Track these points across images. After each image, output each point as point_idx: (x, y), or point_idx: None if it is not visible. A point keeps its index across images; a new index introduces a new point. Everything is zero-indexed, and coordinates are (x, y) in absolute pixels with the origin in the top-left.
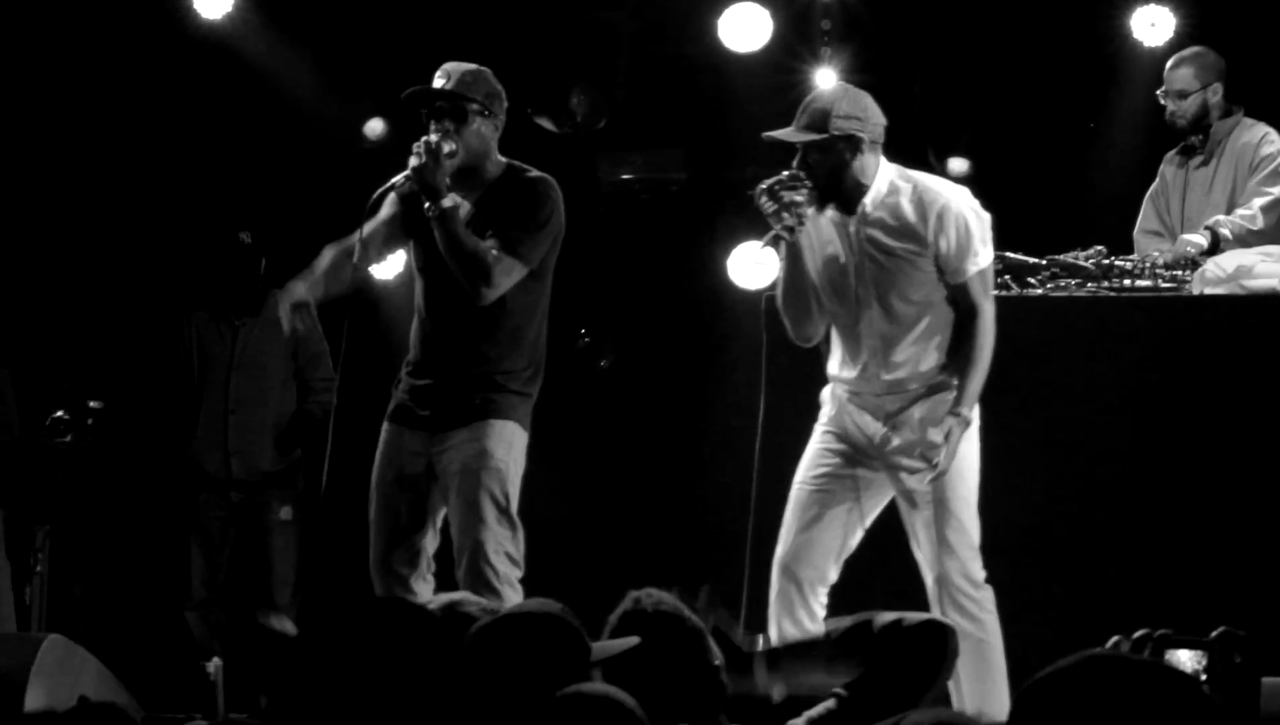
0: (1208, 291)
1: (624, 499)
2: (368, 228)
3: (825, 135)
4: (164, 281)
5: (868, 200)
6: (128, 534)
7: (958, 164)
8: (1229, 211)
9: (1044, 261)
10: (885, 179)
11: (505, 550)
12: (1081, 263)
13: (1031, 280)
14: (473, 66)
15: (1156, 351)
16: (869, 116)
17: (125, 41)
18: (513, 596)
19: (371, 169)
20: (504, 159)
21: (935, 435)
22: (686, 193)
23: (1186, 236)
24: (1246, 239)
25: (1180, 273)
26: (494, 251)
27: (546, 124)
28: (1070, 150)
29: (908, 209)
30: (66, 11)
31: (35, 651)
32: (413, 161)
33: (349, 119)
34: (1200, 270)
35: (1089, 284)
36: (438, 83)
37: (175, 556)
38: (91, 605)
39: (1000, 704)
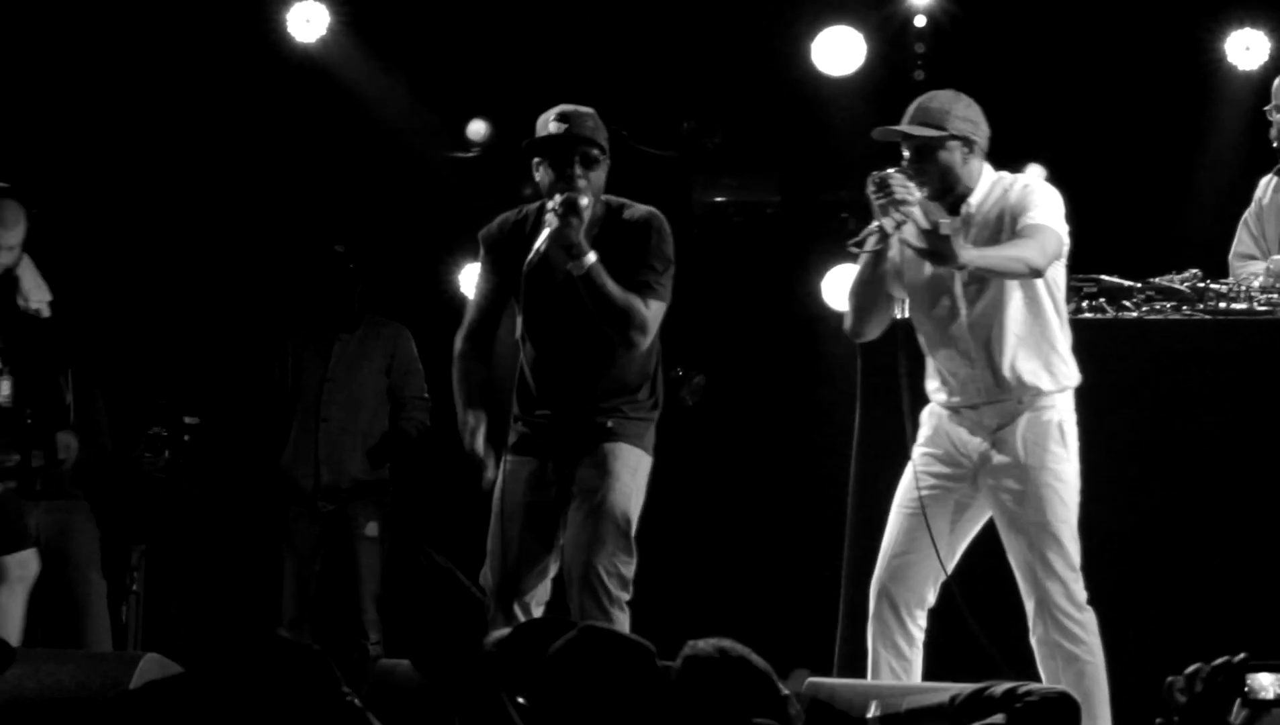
0: None
1: (718, 527)
2: (487, 296)
3: (944, 133)
4: (261, 297)
5: (973, 203)
6: (222, 550)
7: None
8: None
9: (1139, 285)
10: (988, 183)
11: (620, 573)
12: (1176, 286)
13: (1127, 303)
14: (588, 109)
15: (1251, 375)
16: (981, 121)
17: (224, 64)
18: (621, 619)
19: (465, 177)
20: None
21: (1037, 456)
22: (780, 216)
23: None
24: None
25: (1276, 296)
26: (642, 299)
27: (651, 149)
28: (1166, 174)
29: (1008, 197)
30: (168, 36)
31: (132, 670)
32: (552, 220)
33: (442, 131)
34: None
35: (1184, 307)
36: (557, 127)
37: (268, 573)
38: (187, 623)
39: None
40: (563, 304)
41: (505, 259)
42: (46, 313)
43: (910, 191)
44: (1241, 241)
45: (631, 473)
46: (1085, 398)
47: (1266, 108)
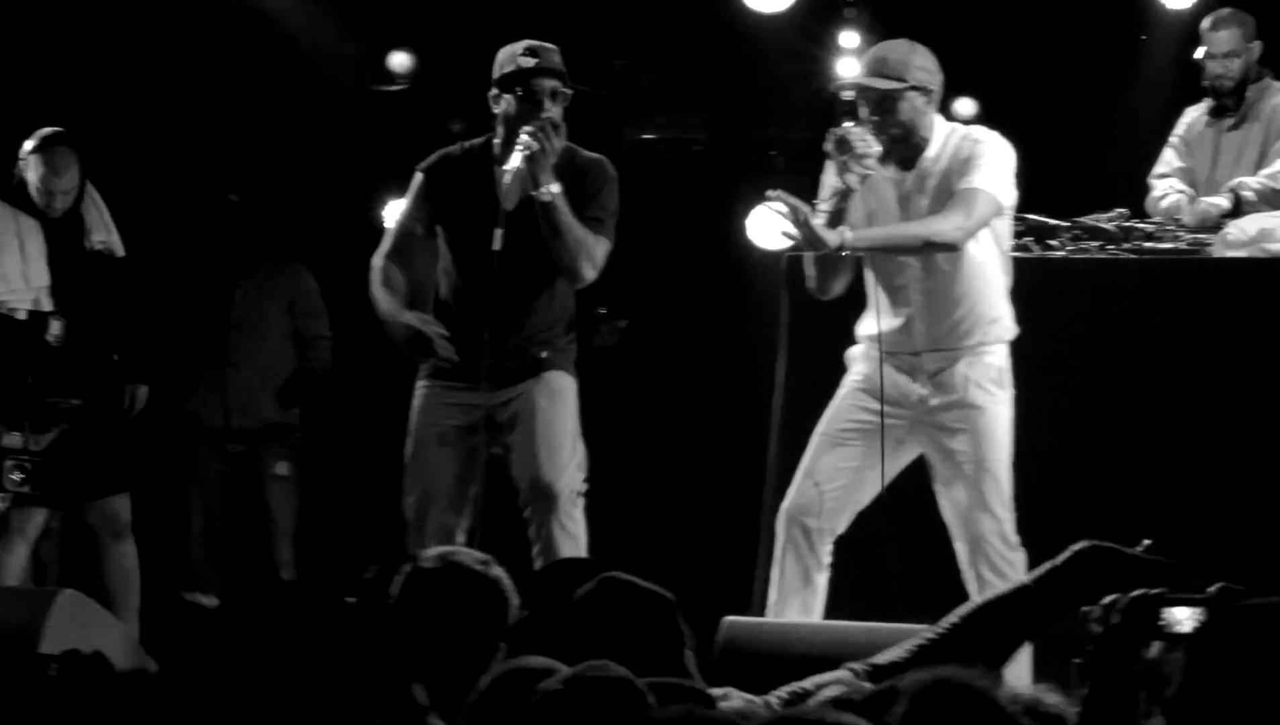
0: (1229, 255)
1: (639, 468)
2: (414, 215)
3: (905, 84)
4: (160, 245)
5: (928, 156)
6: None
7: (965, 104)
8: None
9: (1066, 223)
10: (942, 135)
11: (577, 487)
12: (1103, 225)
13: (1053, 242)
14: (551, 45)
15: (1177, 314)
16: (937, 71)
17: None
18: (579, 525)
19: (389, 112)
20: None
21: (978, 396)
22: (708, 153)
23: (1208, 199)
24: (1273, 200)
25: (1201, 236)
26: (594, 235)
27: (585, 88)
28: (1094, 112)
29: (959, 154)
30: None
31: (49, 605)
32: (529, 143)
33: (365, 64)
34: (1222, 233)
35: (1110, 246)
36: (528, 61)
37: (177, 510)
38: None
39: (1022, 666)
40: (511, 235)
41: (442, 191)
42: (119, 252)
43: (870, 145)
44: (1165, 162)
45: (571, 393)
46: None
47: (1200, 53)
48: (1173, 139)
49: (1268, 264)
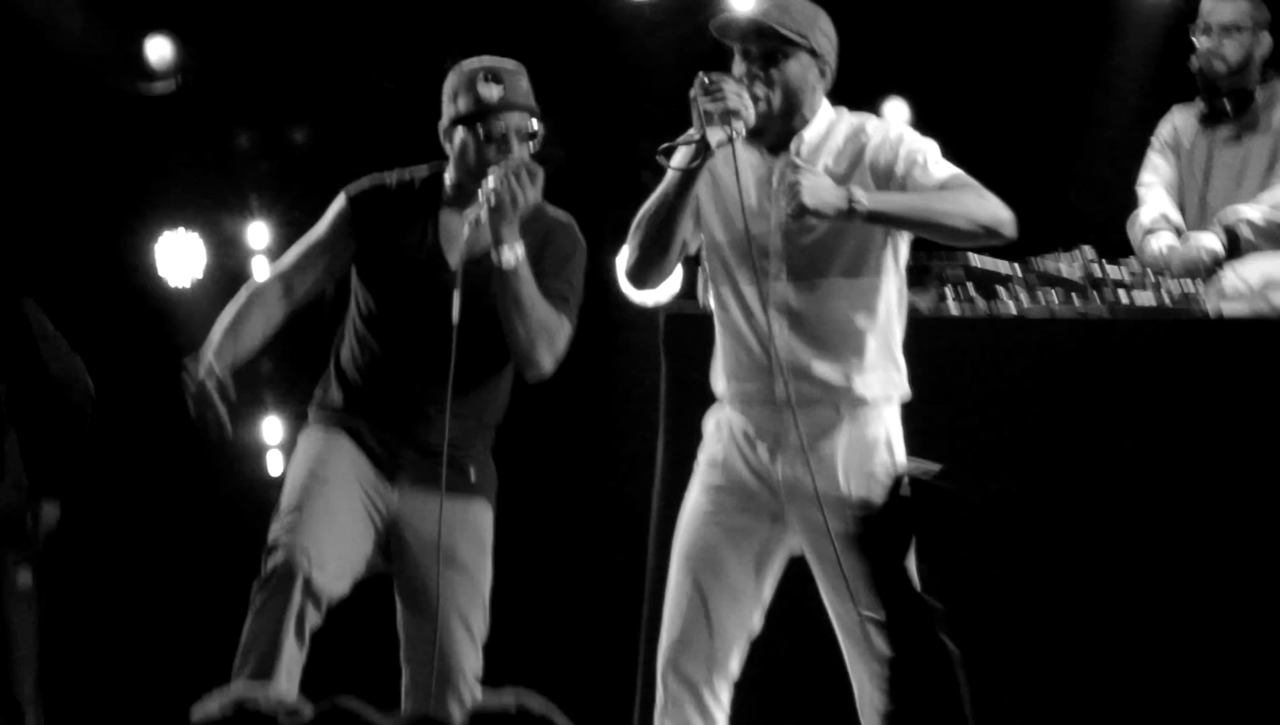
0: (1226, 309)
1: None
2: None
3: (807, 41)
4: None
5: (805, 139)
6: None
7: (895, 107)
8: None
9: (1016, 268)
10: (825, 119)
11: (477, 670)
12: (1064, 271)
13: (1001, 291)
14: (517, 65)
15: (1161, 385)
16: (835, 48)
17: None
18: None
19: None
20: None
21: (860, 485)
22: (563, 174)
23: (1198, 237)
24: (1278, 237)
25: (1191, 284)
26: (557, 315)
27: (387, 84)
28: (1053, 125)
29: (846, 146)
30: None
31: None
32: (496, 192)
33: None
34: (1216, 281)
35: (1075, 298)
36: (492, 94)
37: None
38: None
39: None
40: (447, 303)
41: (371, 229)
42: None
43: (745, 103)
44: (1157, 169)
45: (489, 541)
46: (949, 414)
47: (1194, 25)
48: (1155, 141)
49: (1274, 323)
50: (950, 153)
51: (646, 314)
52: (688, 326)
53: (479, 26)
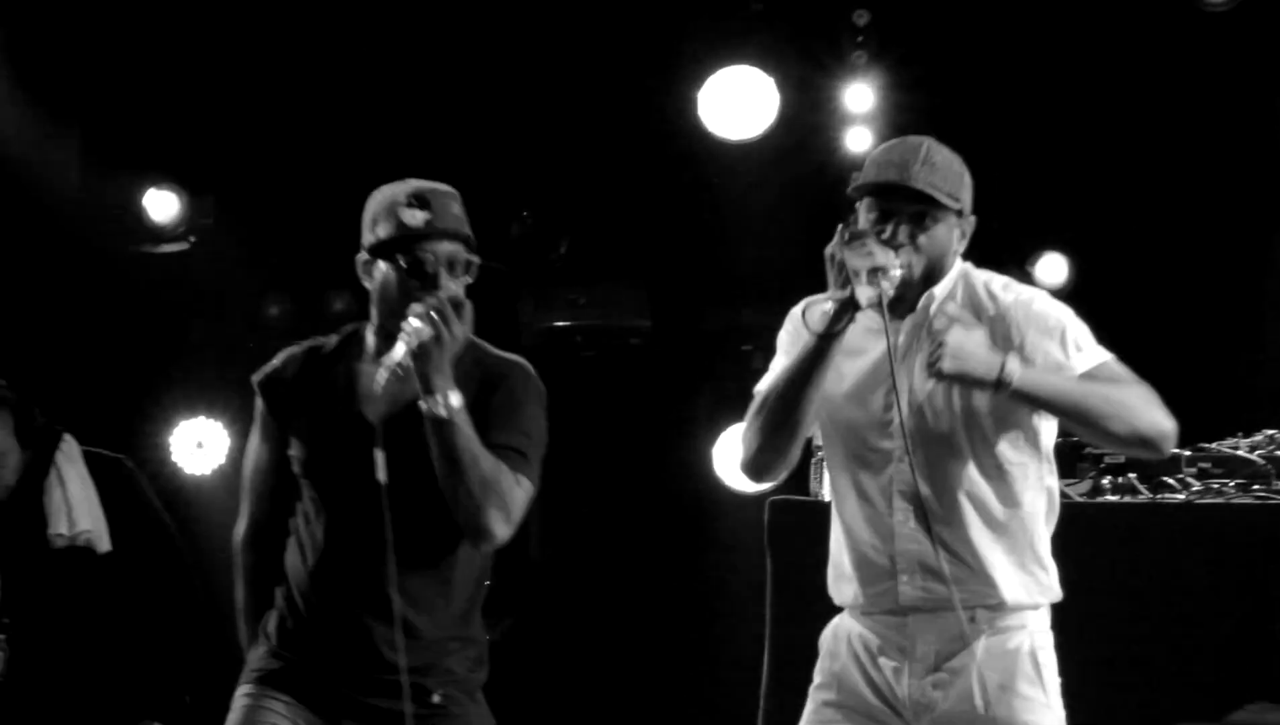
0: None
1: None
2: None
3: (959, 203)
4: None
5: (935, 295)
6: None
7: (1052, 267)
8: None
9: (1188, 453)
10: (953, 276)
11: None
12: (1244, 454)
13: (1168, 480)
14: (448, 188)
15: None
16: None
17: None
18: None
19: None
20: None
21: (1002, 706)
22: (650, 347)
23: None
24: None
25: None
26: (509, 471)
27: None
28: (1230, 285)
29: (976, 305)
30: None
31: None
32: (418, 330)
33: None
34: None
35: (1255, 485)
36: (417, 218)
37: None
38: None
39: None
40: (375, 475)
41: (284, 408)
42: (101, 546)
43: (893, 260)
44: None
45: None
46: (1105, 616)
47: None
48: None
49: None
50: (1107, 318)
51: (748, 502)
52: (795, 516)
53: (544, 175)
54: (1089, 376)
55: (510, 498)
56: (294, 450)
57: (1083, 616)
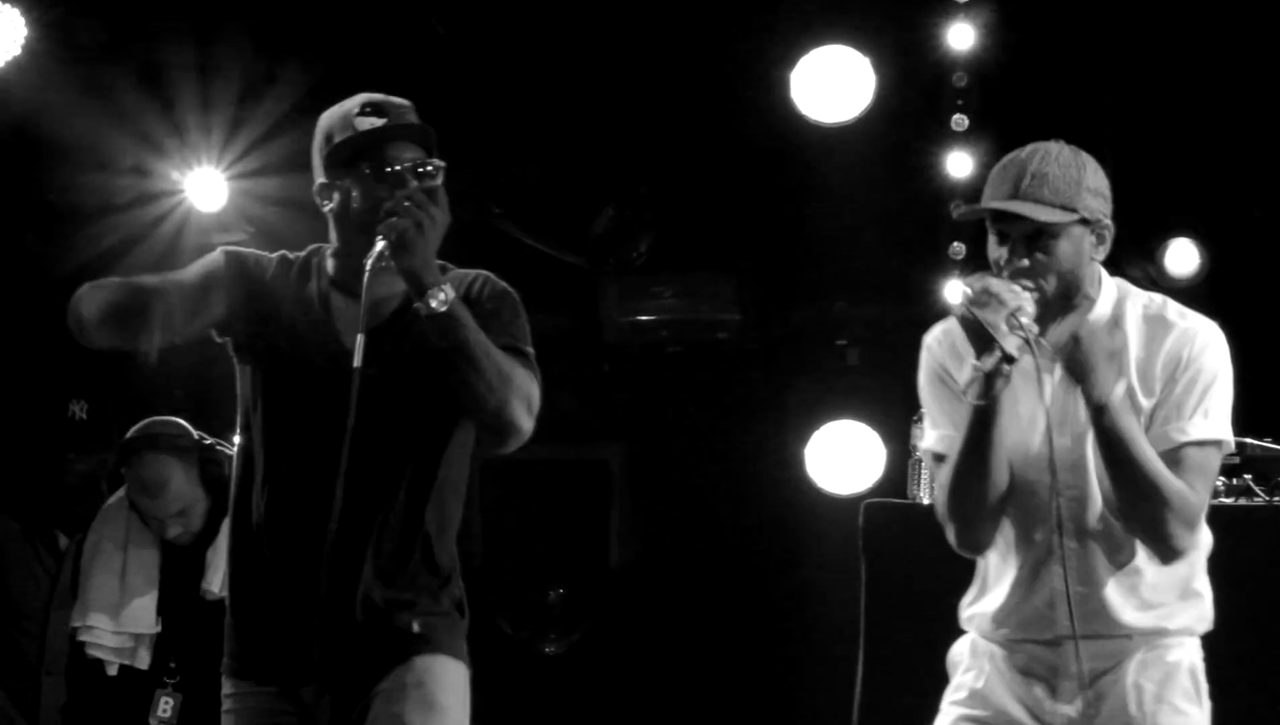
0: None
1: None
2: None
3: (1074, 215)
4: None
5: (1090, 321)
6: None
7: (1182, 255)
8: None
9: None
10: (1110, 296)
11: None
12: None
13: None
14: (401, 100)
15: None
16: (1110, 197)
17: None
18: None
19: None
20: None
21: (1162, 718)
22: (740, 343)
23: None
24: None
25: None
26: (519, 365)
27: (541, 245)
28: None
29: (1144, 328)
30: None
31: None
32: (396, 224)
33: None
34: None
35: None
36: (373, 122)
37: None
38: None
39: None
40: (357, 393)
41: (249, 298)
42: None
43: (1023, 297)
44: None
45: (461, 703)
46: (1222, 628)
47: None
48: None
49: None
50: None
51: (842, 505)
52: (891, 518)
53: (629, 163)
54: (1184, 450)
55: (530, 390)
56: (248, 366)
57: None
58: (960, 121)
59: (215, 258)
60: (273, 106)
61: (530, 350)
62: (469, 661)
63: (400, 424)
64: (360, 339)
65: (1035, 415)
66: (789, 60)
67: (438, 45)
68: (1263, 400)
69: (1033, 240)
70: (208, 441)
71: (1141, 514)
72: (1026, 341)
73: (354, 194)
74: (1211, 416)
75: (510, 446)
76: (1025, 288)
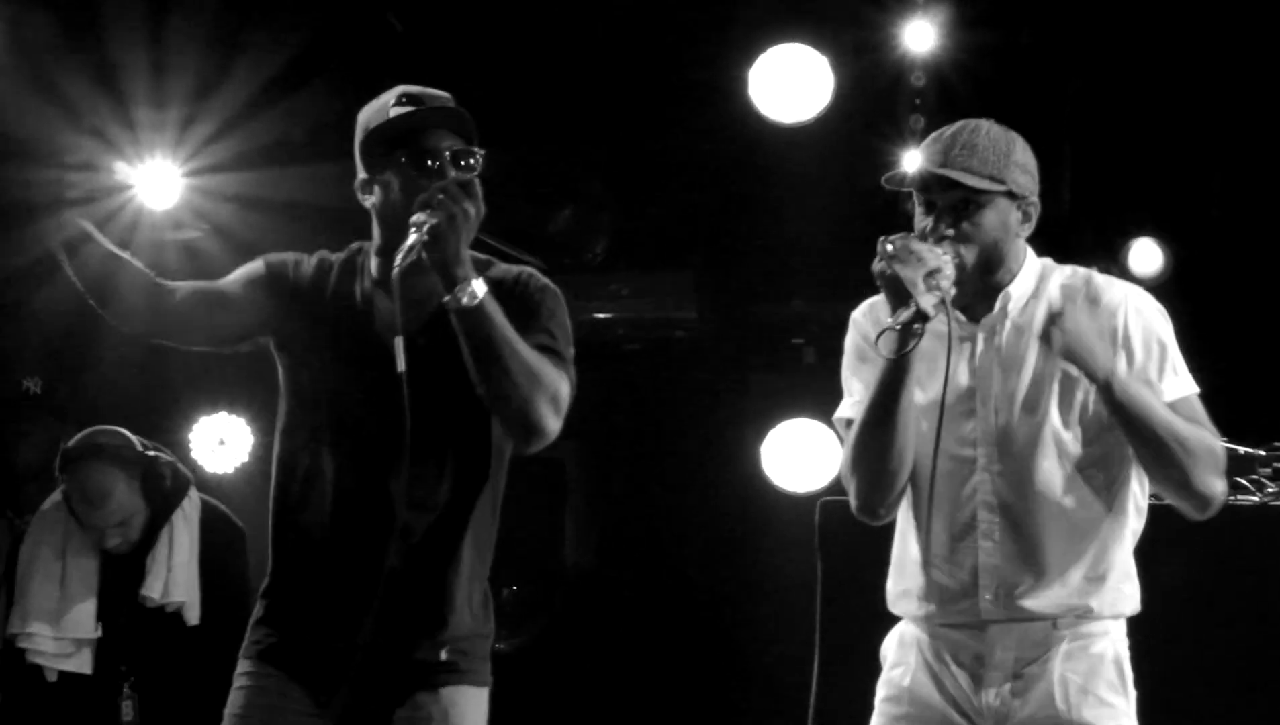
0: None
1: None
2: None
3: (1002, 186)
4: None
5: (1013, 294)
6: None
7: (1145, 255)
8: None
9: (1262, 453)
10: (1033, 272)
11: None
12: None
13: (1242, 481)
14: (440, 91)
15: None
16: (1037, 177)
17: None
18: None
19: None
20: None
21: (1086, 710)
22: (697, 340)
23: None
24: None
25: None
26: (550, 364)
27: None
28: None
29: (1103, 322)
30: None
31: None
32: (427, 216)
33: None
34: None
35: None
36: (404, 110)
37: None
38: None
39: None
40: (397, 385)
41: (290, 300)
42: (190, 619)
43: (943, 258)
44: None
45: None
46: (1178, 621)
47: None
48: None
49: None
50: (1205, 316)
51: (797, 502)
52: (847, 516)
53: (585, 161)
54: (1172, 406)
55: (558, 389)
56: (292, 368)
57: (1156, 621)
58: (918, 121)
59: (256, 266)
60: (228, 101)
61: (567, 350)
62: (490, 676)
63: (446, 427)
64: (398, 342)
65: (958, 383)
66: (747, 59)
67: (395, 42)
68: (1226, 395)
69: (959, 210)
70: (150, 453)
71: (1174, 477)
72: (943, 302)
73: (394, 186)
74: (1180, 371)
75: (534, 446)
76: (950, 251)
